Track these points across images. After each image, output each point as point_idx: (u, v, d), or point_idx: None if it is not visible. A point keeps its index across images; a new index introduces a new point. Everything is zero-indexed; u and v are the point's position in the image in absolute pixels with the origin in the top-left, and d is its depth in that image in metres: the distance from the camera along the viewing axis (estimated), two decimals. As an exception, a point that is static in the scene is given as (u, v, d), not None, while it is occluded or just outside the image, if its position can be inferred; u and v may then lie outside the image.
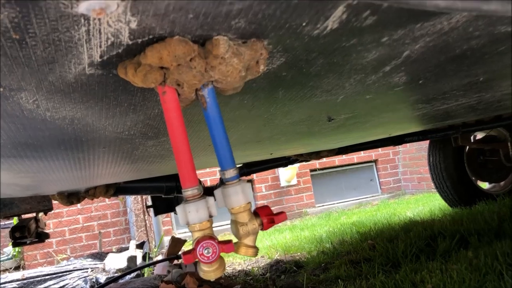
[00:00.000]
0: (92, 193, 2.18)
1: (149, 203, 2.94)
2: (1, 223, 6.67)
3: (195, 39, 0.50)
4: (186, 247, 3.40)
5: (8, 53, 0.46)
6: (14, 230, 2.22)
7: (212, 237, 0.55)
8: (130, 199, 5.20)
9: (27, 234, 2.21)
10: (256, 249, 0.61)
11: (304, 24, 0.51)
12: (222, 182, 0.60)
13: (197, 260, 0.56)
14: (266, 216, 0.62)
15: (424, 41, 0.66)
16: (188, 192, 0.54)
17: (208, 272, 0.55)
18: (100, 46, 0.48)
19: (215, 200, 0.59)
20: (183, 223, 0.56)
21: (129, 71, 0.52)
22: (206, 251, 0.54)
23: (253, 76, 0.59)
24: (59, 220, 5.28)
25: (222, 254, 0.56)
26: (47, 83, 0.56)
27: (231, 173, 0.59)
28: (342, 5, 0.48)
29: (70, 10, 0.40)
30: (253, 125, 1.10)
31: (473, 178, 3.62)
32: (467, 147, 3.56)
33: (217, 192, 0.60)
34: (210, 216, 0.56)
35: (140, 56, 0.51)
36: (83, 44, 0.47)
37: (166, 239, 4.65)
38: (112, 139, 0.92)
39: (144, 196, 5.01)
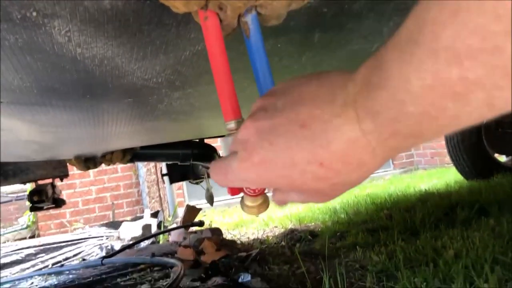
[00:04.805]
0: (109, 158, 2.17)
1: (164, 172, 2.94)
2: (15, 195, 6.75)
3: (242, -45, 0.47)
4: (200, 217, 3.41)
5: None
6: (32, 194, 2.23)
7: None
8: (143, 170, 5.22)
9: (44, 198, 2.22)
10: None
11: None
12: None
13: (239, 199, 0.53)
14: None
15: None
16: (231, 124, 0.52)
17: (252, 208, 0.53)
18: (142, -40, 0.45)
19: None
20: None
21: (170, -7, 0.49)
22: (252, 182, 0.51)
23: (297, 5, 0.56)
24: (73, 191, 5.34)
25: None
26: (82, 8, 0.53)
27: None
28: None
29: None
30: (280, 79, 1.07)
31: (491, 151, 3.57)
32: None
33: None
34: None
35: (183, -25, 0.47)
36: (125, -44, 0.44)
37: (180, 210, 4.67)
38: (138, 87, 0.89)
39: (158, 166, 5.02)
